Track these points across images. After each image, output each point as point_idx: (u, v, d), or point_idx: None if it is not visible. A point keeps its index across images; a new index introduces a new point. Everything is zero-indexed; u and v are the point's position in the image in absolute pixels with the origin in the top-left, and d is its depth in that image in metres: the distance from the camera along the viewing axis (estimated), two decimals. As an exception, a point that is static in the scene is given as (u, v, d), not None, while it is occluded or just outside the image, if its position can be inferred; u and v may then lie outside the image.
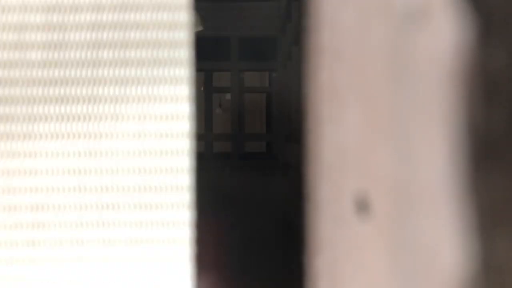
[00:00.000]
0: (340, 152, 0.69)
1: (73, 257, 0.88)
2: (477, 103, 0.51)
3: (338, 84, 0.68)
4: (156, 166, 0.88)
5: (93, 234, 0.88)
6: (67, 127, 0.88)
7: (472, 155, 0.52)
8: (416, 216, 0.59)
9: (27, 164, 0.88)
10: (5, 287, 0.87)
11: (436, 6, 0.54)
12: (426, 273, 0.60)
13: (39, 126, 0.88)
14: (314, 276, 0.79)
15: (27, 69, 0.87)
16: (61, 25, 0.87)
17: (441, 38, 0.53)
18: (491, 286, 0.54)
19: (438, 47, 0.54)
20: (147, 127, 0.88)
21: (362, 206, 0.66)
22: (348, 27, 0.67)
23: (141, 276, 0.88)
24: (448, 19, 0.52)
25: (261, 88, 6.46)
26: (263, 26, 5.19)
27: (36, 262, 0.88)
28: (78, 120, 0.88)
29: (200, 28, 3.46)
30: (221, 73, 5.59)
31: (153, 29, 0.88)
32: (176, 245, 0.88)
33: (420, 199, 0.58)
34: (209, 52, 5.13)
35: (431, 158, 0.56)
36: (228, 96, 5.69)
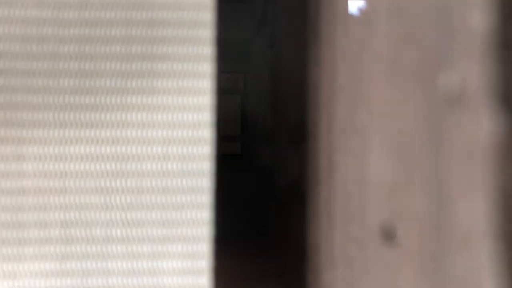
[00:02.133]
0: (359, 184, 0.76)
1: (100, 270, 0.95)
2: (508, 173, 0.60)
3: (359, 123, 0.75)
4: (178, 186, 0.95)
5: (119, 248, 0.95)
6: (96, 150, 0.94)
7: (506, 214, 0.61)
8: (449, 253, 0.67)
9: (59, 183, 0.94)
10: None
11: (473, 99, 0.63)
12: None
13: (70, 148, 0.94)
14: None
15: (60, 95, 0.94)
16: (93, 55, 0.93)
17: (474, 126, 0.62)
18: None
19: (472, 132, 0.63)
20: (171, 150, 0.95)
21: (388, 235, 0.73)
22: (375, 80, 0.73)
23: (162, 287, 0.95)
24: (482, 112, 0.61)
25: (236, 90, 6.51)
26: (238, 28, 5.25)
27: (65, 275, 0.94)
28: (106, 144, 0.94)
29: None
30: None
31: (179, 61, 0.95)
32: (196, 260, 0.95)
33: (453, 238, 0.66)
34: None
35: (466, 207, 0.64)
36: (202, 96, 5.72)
